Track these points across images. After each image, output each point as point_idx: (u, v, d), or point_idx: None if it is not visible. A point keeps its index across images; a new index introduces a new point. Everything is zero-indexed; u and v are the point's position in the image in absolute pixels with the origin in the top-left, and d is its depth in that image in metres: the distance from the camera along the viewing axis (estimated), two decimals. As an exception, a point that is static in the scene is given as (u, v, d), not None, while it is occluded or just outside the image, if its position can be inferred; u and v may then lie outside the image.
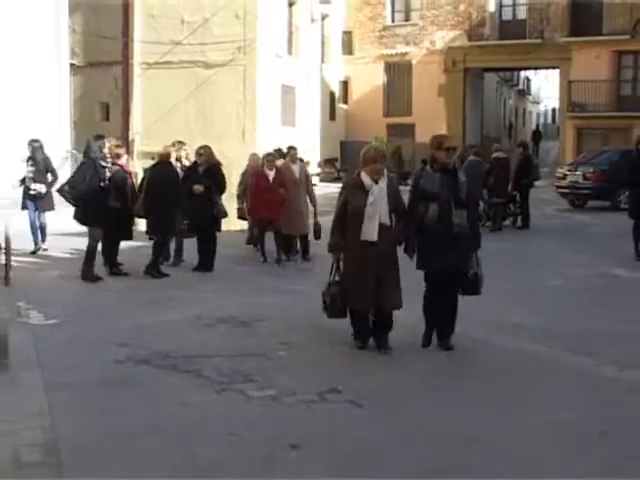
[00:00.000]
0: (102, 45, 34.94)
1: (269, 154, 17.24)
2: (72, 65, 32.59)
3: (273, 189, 16.15)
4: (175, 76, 33.79)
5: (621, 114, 38.06)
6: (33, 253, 16.95)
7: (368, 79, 43.48)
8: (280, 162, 17.72)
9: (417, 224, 9.07)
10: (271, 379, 8.01)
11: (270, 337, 9.82)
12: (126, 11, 34.92)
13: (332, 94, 42.50)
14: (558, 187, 28.91)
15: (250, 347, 9.34)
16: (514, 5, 41.80)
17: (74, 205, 14.42)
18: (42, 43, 28.18)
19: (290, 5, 37.12)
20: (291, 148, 17.72)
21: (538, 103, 69.83)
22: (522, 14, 41.13)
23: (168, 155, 15.23)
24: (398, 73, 43.11)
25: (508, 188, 21.74)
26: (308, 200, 17.10)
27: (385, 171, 9.22)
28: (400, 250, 9.29)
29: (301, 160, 18.58)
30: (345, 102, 44.11)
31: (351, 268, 9.22)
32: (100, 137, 15.03)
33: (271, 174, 16.35)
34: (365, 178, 9.09)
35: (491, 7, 41.48)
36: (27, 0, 27.70)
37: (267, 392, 7.62)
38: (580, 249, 17.50)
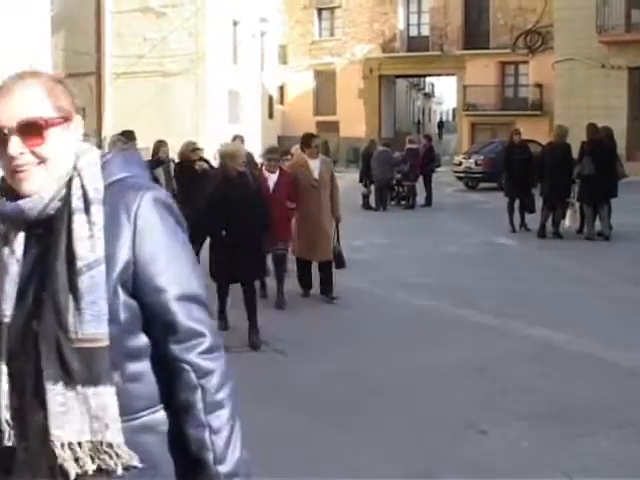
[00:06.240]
0: (79, 59, 34.42)
1: (272, 149, 10.22)
2: (54, 76, 31.97)
3: (275, 199, 8.89)
4: (139, 84, 33.57)
5: (505, 112, 38.37)
6: None
7: (300, 84, 43.31)
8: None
9: None
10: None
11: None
12: (98, 31, 34.49)
13: (270, 97, 42.27)
14: (455, 172, 29.08)
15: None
16: (419, 24, 41.78)
17: None
18: (30, 59, 27.65)
19: (234, 24, 36.83)
20: (312, 136, 10.23)
21: (441, 103, 70.02)
22: (425, 31, 41.17)
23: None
24: (325, 79, 42.96)
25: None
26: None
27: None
28: None
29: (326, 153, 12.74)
30: (282, 103, 43.88)
31: None
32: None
33: (273, 178, 9.33)
34: None
35: (400, 25, 41.45)
36: (18, 24, 27.29)
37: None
38: (472, 222, 17.56)
